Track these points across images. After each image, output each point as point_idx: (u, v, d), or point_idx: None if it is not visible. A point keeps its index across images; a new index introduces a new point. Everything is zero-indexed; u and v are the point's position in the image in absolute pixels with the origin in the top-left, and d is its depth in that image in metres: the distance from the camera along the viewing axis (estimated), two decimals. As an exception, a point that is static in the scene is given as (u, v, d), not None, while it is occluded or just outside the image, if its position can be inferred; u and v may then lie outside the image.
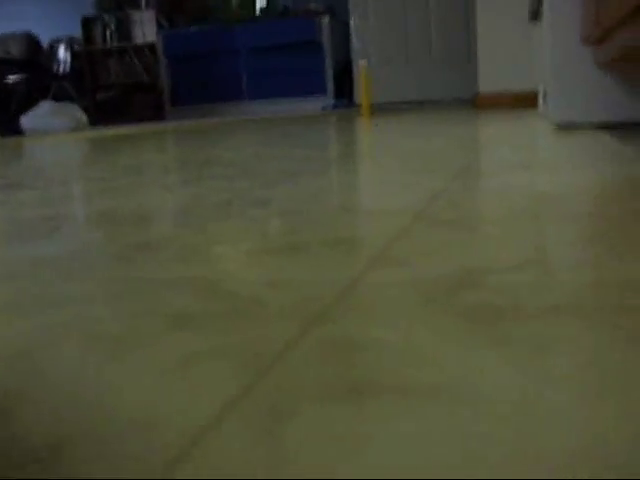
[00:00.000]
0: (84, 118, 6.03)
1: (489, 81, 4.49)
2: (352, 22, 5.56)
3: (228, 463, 0.30)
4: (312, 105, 6.44)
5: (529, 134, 2.14)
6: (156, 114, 6.95)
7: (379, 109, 5.15)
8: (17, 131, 5.66)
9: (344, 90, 6.40)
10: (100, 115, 6.98)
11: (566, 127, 2.14)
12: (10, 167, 2.24)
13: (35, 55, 7.23)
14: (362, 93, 4.54)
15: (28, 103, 6.42)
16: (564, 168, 1.24)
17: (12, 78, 6.82)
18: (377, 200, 1.01)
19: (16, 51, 7.15)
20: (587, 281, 0.54)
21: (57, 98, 6.45)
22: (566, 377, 0.36)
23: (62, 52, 7.11)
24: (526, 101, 4.03)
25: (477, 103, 4.52)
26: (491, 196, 0.98)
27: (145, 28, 7.11)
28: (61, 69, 7.07)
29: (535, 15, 2.93)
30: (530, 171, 1.22)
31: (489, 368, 0.38)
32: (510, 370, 0.37)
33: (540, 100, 2.95)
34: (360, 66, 4.76)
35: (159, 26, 7.05)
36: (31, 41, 7.26)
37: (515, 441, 0.30)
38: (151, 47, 7.07)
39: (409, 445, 0.30)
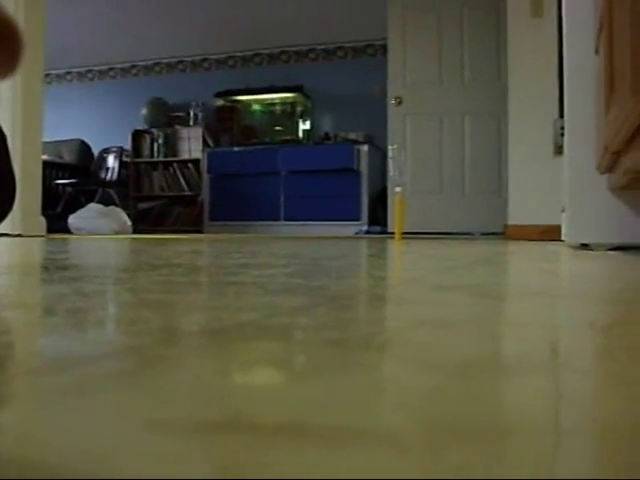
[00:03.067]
0: (129, 223, 6.25)
1: (518, 214, 4.65)
2: (390, 152, 5.62)
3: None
4: (345, 230, 6.47)
5: (544, 253, 2.28)
6: (194, 226, 7.13)
7: (410, 237, 5.25)
8: (63, 230, 5.87)
9: (378, 217, 6.51)
10: (140, 223, 7.20)
11: (582, 249, 2.28)
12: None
13: (85, 161, 7.56)
14: (396, 220, 4.65)
15: (74, 205, 6.70)
16: (565, 264, 1.38)
17: (62, 181, 7.14)
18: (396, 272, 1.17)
19: (68, 156, 7.50)
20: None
21: (102, 203, 6.68)
22: None
23: (111, 161, 7.39)
24: (553, 234, 4.14)
25: (506, 235, 4.67)
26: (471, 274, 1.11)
27: (191, 145, 7.41)
28: (108, 176, 7.34)
29: (559, 149, 3.11)
30: (530, 272, 1.36)
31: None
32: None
33: (563, 228, 3.10)
34: (395, 194, 4.86)
35: (205, 144, 7.33)
36: (83, 148, 7.62)
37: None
38: (195, 163, 7.34)
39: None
